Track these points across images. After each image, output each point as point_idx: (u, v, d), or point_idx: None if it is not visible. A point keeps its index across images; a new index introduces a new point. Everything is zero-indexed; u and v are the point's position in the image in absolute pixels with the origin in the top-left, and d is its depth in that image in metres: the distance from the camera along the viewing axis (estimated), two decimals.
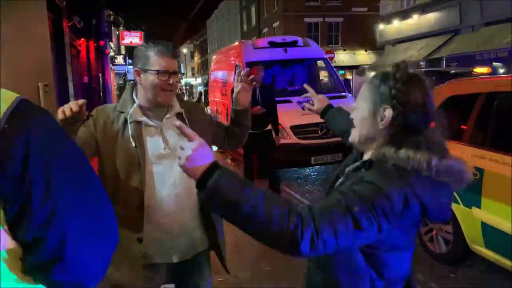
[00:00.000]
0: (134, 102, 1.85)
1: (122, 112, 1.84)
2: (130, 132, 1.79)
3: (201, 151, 1.14)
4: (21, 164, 0.82)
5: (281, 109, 7.28)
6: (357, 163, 1.30)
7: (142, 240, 1.80)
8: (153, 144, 1.83)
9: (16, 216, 0.83)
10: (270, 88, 6.56)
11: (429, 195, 1.16)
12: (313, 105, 2.08)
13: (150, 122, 1.84)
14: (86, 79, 9.57)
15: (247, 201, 1.08)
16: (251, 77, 2.05)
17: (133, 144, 1.78)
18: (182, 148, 1.16)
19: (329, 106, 2.04)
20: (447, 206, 1.23)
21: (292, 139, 6.97)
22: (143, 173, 1.78)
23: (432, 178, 1.16)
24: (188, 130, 1.19)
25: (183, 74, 1.75)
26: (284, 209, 1.09)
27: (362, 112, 1.28)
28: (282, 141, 6.88)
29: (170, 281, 1.96)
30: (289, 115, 7.12)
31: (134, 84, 1.91)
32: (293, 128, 7.01)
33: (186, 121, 1.87)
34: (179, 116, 1.89)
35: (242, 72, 2.05)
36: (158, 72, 1.76)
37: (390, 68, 1.25)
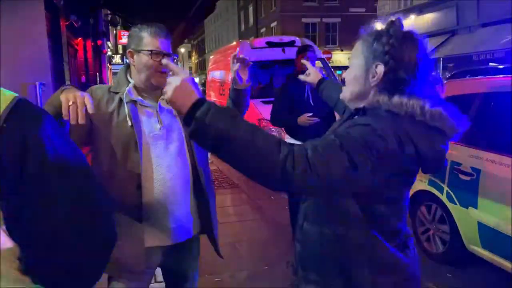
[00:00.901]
0: (129, 82, 1.85)
1: (117, 93, 1.82)
2: (126, 111, 1.78)
3: (188, 85, 1.12)
4: (19, 164, 0.82)
5: None
6: (351, 112, 1.31)
7: (142, 221, 1.80)
8: (148, 125, 1.82)
9: (13, 215, 0.83)
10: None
11: (423, 140, 1.15)
12: (308, 76, 2.16)
13: (145, 103, 1.84)
14: (83, 78, 9.55)
15: (238, 131, 1.05)
16: (246, 58, 1.99)
17: (129, 124, 1.76)
18: (169, 83, 1.14)
19: (323, 79, 2.12)
20: (442, 153, 1.21)
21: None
22: (140, 152, 1.77)
23: (426, 124, 1.15)
24: (175, 67, 1.19)
25: (177, 56, 1.74)
26: (276, 140, 1.07)
27: (354, 70, 1.29)
28: None
29: (162, 264, 2.02)
30: None
31: (128, 66, 1.91)
32: None
33: None
34: None
35: (239, 55, 1.99)
36: (151, 52, 1.76)
37: (385, 25, 1.25)
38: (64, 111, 1.42)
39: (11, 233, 0.84)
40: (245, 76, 2.01)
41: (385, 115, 1.18)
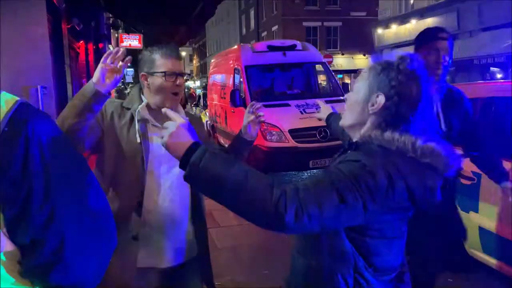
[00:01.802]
0: (141, 100, 1.86)
1: (128, 109, 1.84)
2: (136, 127, 1.79)
3: (184, 130, 1.16)
4: (21, 167, 0.82)
5: (280, 113, 7.28)
6: (345, 147, 1.33)
7: (138, 239, 1.79)
8: (156, 145, 1.82)
9: (14, 218, 0.83)
10: None
11: (414, 176, 1.15)
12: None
13: (156, 123, 1.85)
14: (84, 81, 9.56)
15: (232, 176, 1.07)
16: (261, 114, 2.02)
17: (138, 140, 1.78)
18: (166, 127, 1.18)
19: (332, 113, 2.30)
20: (434, 189, 1.21)
21: (291, 142, 6.97)
22: (145, 170, 1.79)
23: (417, 160, 1.16)
24: (173, 113, 1.23)
25: (189, 75, 1.77)
26: (269, 182, 1.09)
27: (356, 95, 1.31)
28: (281, 144, 6.88)
29: (159, 287, 1.96)
30: (288, 118, 7.14)
31: (141, 87, 1.92)
32: (291, 131, 7.01)
33: None
34: None
35: (256, 105, 2.03)
36: (165, 73, 1.78)
37: (395, 58, 1.26)
38: (102, 64, 1.59)
39: (11, 236, 0.84)
40: (254, 130, 2.03)
41: (377, 150, 1.19)
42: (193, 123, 1.96)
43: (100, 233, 0.93)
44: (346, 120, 1.35)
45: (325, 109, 2.35)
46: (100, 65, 1.62)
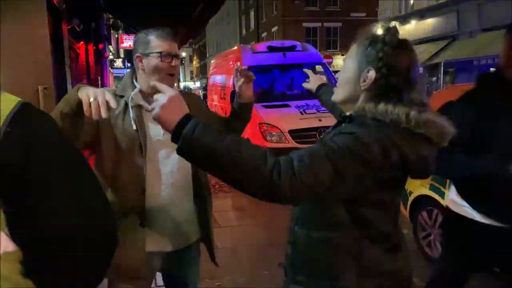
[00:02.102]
0: (134, 87, 1.84)
1: (122, 96, 1.82)
2: (131, 115, 1.77)
3: (176, 103, 1.14)
4: (22, 167, 0.82)
5: (280, 113, 7.27)
6: (338, 119, 1.33)
7: (145, 225, 1.80)
8: (153, 130, 1.82)
9: (15, 218, 0.83)
10: None
11: (408, 146, 1.16)
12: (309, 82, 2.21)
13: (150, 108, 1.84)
14: (85, 82, 9.57)
15: (225, 146, 1.07)
16: (250, 73, 2.01)
17: (134, 127, 1.76)
18: (156, 100, 1.16)
19: (322, 84, 2.16)
20: (428, 159, 1.21)
21: (291, 143, 6.97)
22: (144, 157, 1.78)
23: (412, 131, 1.16)
24: (163, 85, 1.20)
25: (184, 58, 1.77)
26: (262, 151, 1.09)
27: (347, 72, 1.31)
28: (281, 145, 6.87)
29: (163, 269, 2.03)
30: (288, 119, 7.13)
31: (134, 71, 1.90)
32: (291, 132, 7.01)
33: None
34: None
35: (242, 67, 2.02)
36: (161, 54, 1.76)
37: (381, 31, 1.26)
38: (85, 107, 1.41)
39: (13, 237, 0.84)
40: (249, 90, 2.03)
41: (371, 123, 1.19)
42: (190, 100, 1.96)
43: (100, 232, 0.93)
44: (338, 96, 1.35)
45: (315, 79, 2.20)
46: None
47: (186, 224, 1.94)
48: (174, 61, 1.79)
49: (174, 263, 1.99)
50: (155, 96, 1.18)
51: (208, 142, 1.07)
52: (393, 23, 1.29)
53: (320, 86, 2.15)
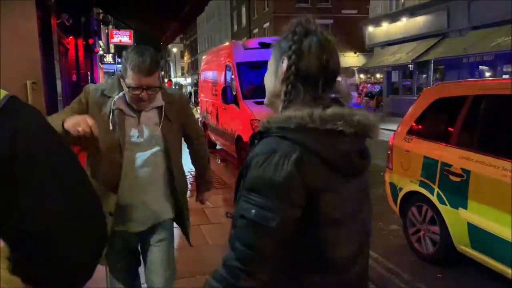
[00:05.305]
0: (121, 89, 2.00)
1: (109, 97, 1.99)
2: (111, 117, 1.97)
3: None
4: (9, 161, 0.81)
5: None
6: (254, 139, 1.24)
7: (112, 214, 1.98)
8: (131, 132, 2.02)
9: (2, 212, 0.82)
10: None
11: (323, 145, 1.11)
12: None
13: (131, 113, 2.01)
14: (74, 77, 9.48)
15: None
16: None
17: (111, 127, 1.95)
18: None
19: None
20: (351, 153, 1.16)
21: None
22: (122, 156, 1.97)
23: (320, 129, 1.11)
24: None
25: (161, 87, 1.79)
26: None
27: (269, 71, 1.29)
28: None
29: (134, 247, 2.23)
30: None
31: (121, 75, 2.01)
32: None
33: (163, 114, 2.06)
34: (159, 109, 2.07)
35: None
36: (129, 87, 1.91)
37: (295, 24, 1.26)
38: (73, 140, 1.69)
39: (0, 232, 0.83)
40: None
41: (274, 139, 1.13)
42: (176, 107, 2.14)
43: (89, 226, 0.92)
44: (266, 99, 1.32)
45: None
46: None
47: (157, 206, 2.11)
48: (142, 94, 1.93)
49: (147, 240, 2.15)
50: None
51: None
52: (310, 17, 1.28)
53: None
